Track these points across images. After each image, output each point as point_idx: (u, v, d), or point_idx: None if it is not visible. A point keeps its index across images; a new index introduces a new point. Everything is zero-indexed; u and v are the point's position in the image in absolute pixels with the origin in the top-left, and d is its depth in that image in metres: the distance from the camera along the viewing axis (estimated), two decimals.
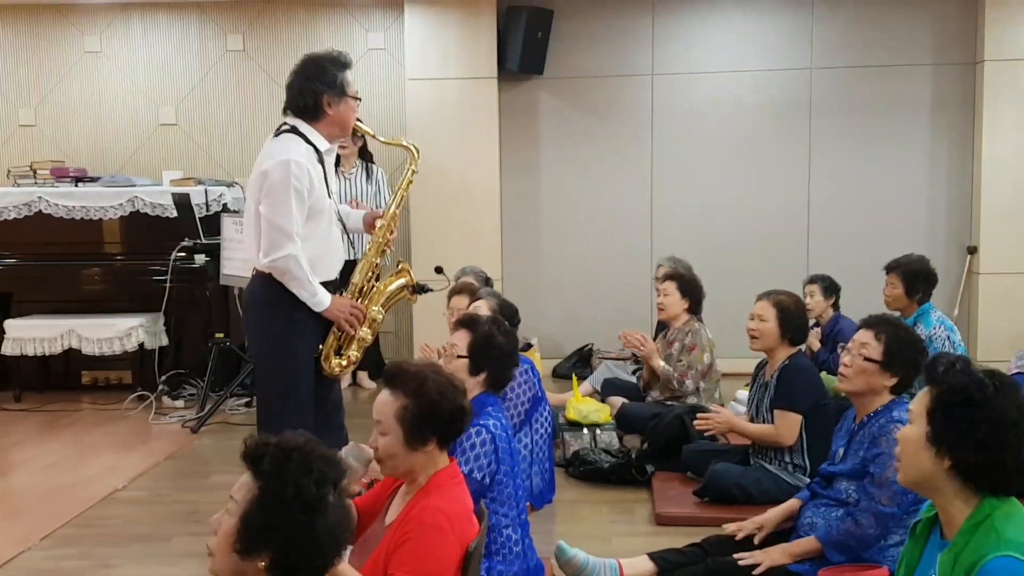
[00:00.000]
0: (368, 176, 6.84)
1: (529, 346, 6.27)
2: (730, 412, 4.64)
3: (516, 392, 4.35)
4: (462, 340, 3.41)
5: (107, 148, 7.69)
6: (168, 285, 6.38)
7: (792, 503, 3.59)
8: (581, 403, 5.45)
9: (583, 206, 7.58)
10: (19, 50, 7.68)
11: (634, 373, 6.20)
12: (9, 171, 7.18)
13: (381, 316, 3.90)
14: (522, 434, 4.35)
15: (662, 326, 5.81)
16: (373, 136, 4.05)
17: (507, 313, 4.60)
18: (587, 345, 7.46)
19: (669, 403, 5.29)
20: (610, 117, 7.51)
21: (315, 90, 3.67)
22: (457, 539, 2.41)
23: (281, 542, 1.85)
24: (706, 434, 4.62)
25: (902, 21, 7.22)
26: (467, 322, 3.50)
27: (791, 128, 7.39)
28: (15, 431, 6.04)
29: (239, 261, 6.01)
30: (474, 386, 3.37)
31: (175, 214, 6.60)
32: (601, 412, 5.40)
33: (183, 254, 6.43)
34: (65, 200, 6.75)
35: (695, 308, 5.49)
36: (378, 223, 3.95)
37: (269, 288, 3.65)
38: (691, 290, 5.46)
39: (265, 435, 1.96)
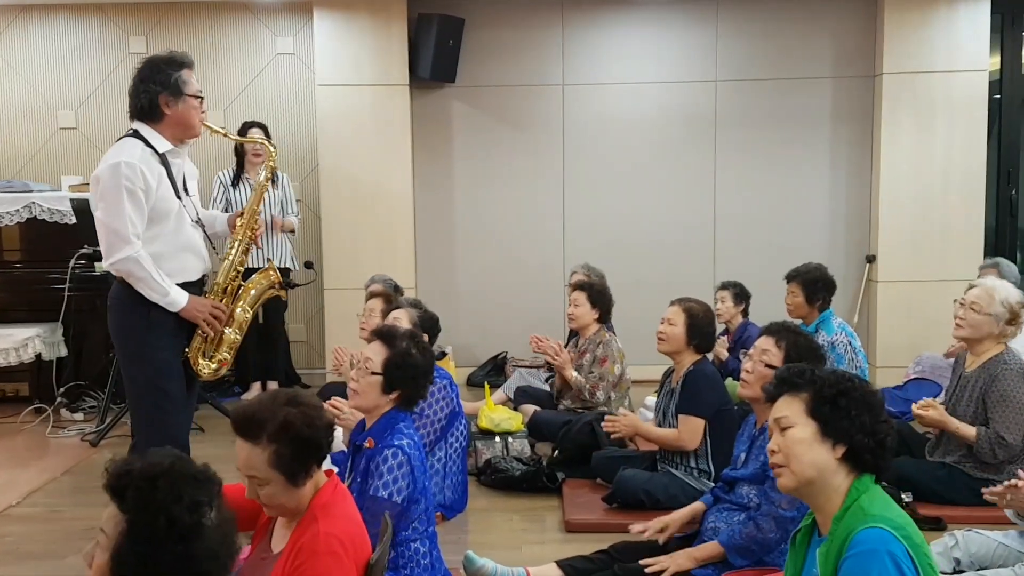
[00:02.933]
0: (274, 182, 6.77)
1: (443, 355, 6.25)
2: (636, 416, 4.70)
3: (433, 408, 4.33)
4: (377, 355, 3.29)
5: (3, 153, 7.43)
6: (67, 294, 6.18)
7: (696, 505, 3.64)
8: (493, 411, 5.45)
9: (496, 215, 7.59)
10: None
11: (547, 381, 6.23)
12: None
13: (248, 315, 3.84)
14: (436, 448, 4.33)
15: (574, 334, 5.85)
16: (226, 135, 3.94)
17: (428, 325, 4.56)
18: (501, 353, 7.47)
19: (581, 411, 5.33)
20: (522, 126, 7.54)
21: (150, 91, 3.62)
22: (352, 562, 2.35)
23: (159, 574, 1.75)
24: (612, 437, 4.66)
25: (803, 35, 7.41)
26: (384, 335, 3.37)
27: (697, 139, 7.52)
28: None
29: None
30: (385, 403, 3.28)
31: (74, 220, 6.41)
32: (513, 420, 5.41)
33: (83, 262, 6.23)
34: None
35: (604, 317, 5.54)
36: (238, 222, 3.89)
37: (126, 291, 3.60)
38: (601, 300, 5.51)
39: (128, 460, 1.83)
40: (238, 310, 3.81)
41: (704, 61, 7.46)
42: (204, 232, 3.84)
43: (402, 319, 4.47)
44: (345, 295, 7.12)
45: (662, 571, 3.36)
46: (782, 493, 3.21)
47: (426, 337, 4.42)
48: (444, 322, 5.00)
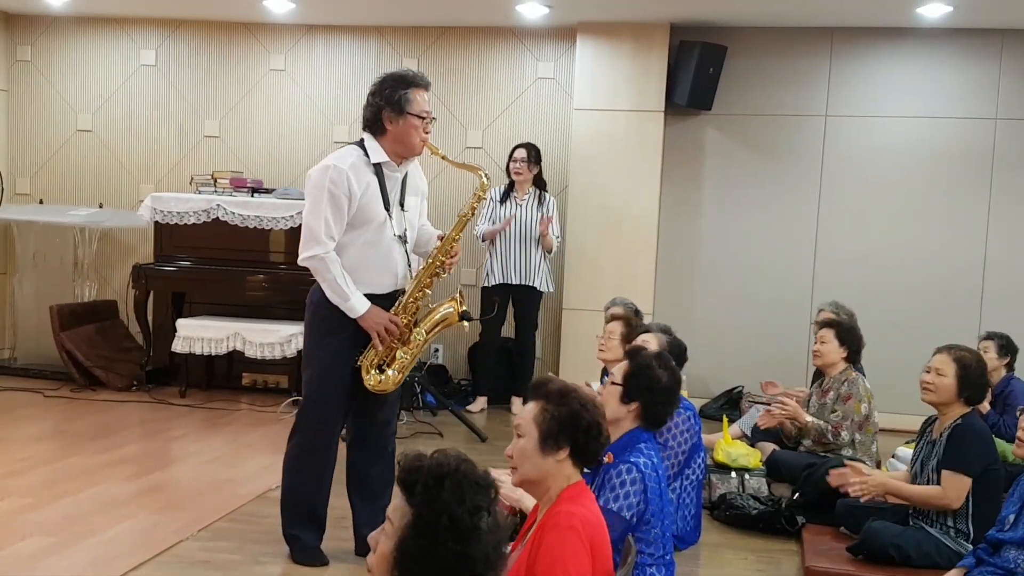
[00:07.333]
0: (539, 203, 6.97)
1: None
2: (883, 474, 4.43)
3: (677, 440, 4.32)
4: (620, 370, 3.41)
5: (283, 162, 8.02)
6: None
7: (955, 573, 3.40)
8: (731, 446, 5.34)
9: (743, 246, 7.44)
10: (210, 65, 8.12)
11: None
12: (192, 178, 7.58)
13: (422, 338, 3.88)
14: (674, 480, 4.28)
15: (818, 375, 5.63)
16: (444, 158, 3.96)
17: (676, 352, 4.52)
18: (737, 388, 7.29)
19: (823, 454, 5.11)
20: (778, 157, 7.36)
21: (376, 105, 3.76)
22: (588, 540, 2.40)
23: (437, 569, 1.84)
24: (863, 501, 4.34)
25: None
26: (630, 352, 3.51)
27: (971, 179, 7.08)
28: (179, 425, 6.35)
29: None
30: (624, 415, 3.32)
31: None
32: (751, 457, 5.27)
33: None
34: (241, 209, 7.09)
35: (853, 358, 5.31)
36: (433, 247, 3.93)
37: (318, 290, 3.82)
38: (850, 339, 5.29)
39: (418, 456, 1.93)
40: (416, 332, 3.88)
41: (984, 97, 7.02)
42: (406, 249, 3.90)
43: (651, 343, 4.47)
44: (582, 315, 7.20)
45: None
46: None
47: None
48: None
